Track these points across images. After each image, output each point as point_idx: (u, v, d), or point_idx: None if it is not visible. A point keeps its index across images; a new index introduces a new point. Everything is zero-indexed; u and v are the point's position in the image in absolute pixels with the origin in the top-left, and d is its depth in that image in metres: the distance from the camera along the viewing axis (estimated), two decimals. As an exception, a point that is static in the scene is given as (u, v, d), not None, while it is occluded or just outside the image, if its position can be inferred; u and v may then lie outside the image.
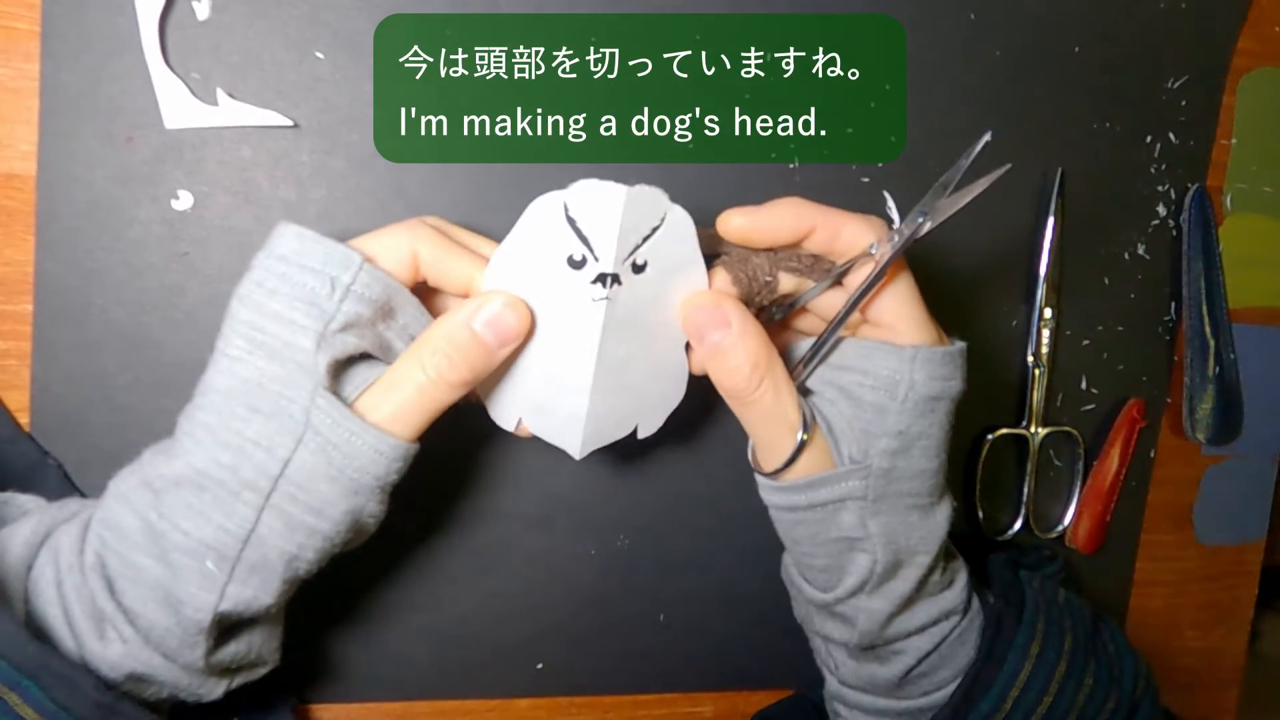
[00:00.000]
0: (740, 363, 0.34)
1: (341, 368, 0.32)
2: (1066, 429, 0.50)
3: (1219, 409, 0.52)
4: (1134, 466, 0.52)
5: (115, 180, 0.38)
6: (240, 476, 0.31)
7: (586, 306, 0.34)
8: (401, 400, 0.32)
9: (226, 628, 0.33)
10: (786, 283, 0.36)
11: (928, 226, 0.34)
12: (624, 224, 0.32)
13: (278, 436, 0.31)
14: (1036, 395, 0.49)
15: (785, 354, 0.38)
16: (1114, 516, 0.52)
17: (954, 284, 0.48)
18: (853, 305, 0.35)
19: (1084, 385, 0.51)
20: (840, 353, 0.37)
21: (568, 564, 0.45)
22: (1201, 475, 0.54)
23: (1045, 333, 0.49)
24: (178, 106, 0.38)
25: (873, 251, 0.34)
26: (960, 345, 0.36)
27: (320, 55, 0.40)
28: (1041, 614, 0.39)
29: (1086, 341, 0.51)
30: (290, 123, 0.39)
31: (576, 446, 0.37)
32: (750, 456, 0.38)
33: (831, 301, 0.37)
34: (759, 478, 0.37)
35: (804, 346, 0.39)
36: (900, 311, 0.35)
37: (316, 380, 0.31)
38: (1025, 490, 0.50)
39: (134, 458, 0.33)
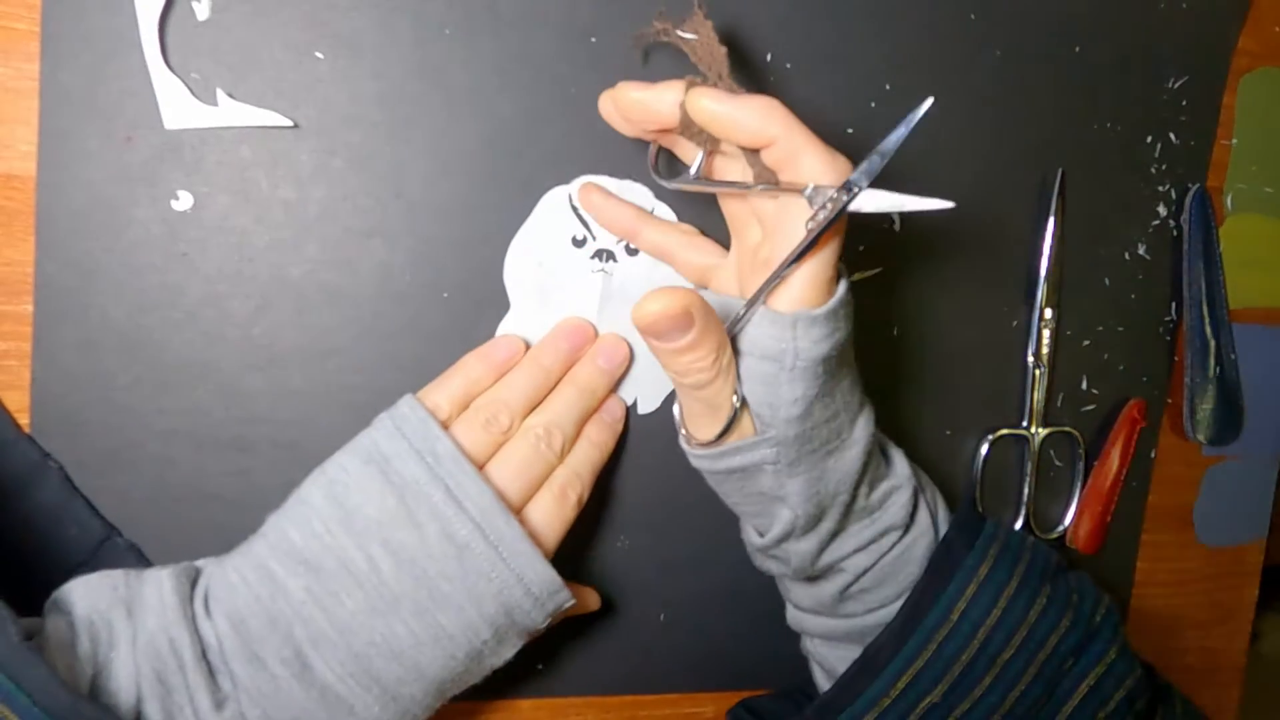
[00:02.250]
0: (703, 358, 0.34)
1: None
2: (1066, 429, 0.50)
3: (1219, 409, 0.52)
4: (1134, 466, 0.52)
5: (115, 180, 0.38)
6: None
7: (587, 278, 0.42)
8: None
9: None
10: (728, 151, 0.34)
11: (868, 204, 0.33)
12: None
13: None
14: (1036, 395, 0.49)
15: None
16: (1114, 516, 0.52)
17: (954, 284, 0.48)
18: (775, 277, 0.34)
19: (1084, 385, 0.51)
20: (745, 320, 0.36)
21: (567, 564, 0.45)
22: (1201, 475, 0.54)
23: (1045, 333, 0.49)
24: (177, 106, 0.38)
25: (810, 202, 0.33)
26: (841, 293, 0.34)
27: (320, 55, 0.40)
28: (996, 543, 0.39)
29: (1086, 341, 0.51)
30: (290, 123, 0.39)
31: None
32: (678, 424, 0.40)
33: (733, 170, 0.36)
34: (683, 444, 0.39)
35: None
36: (803, 281, 0.34)
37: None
38: (1025, 490, 0.50)
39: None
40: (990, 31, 0.47)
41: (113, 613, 0.32)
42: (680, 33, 0.34)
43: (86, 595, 0.33)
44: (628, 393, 0.44)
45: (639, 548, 0.46)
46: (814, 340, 0.34)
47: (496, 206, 0.42)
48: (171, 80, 0.38)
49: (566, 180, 0.42)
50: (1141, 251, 0.51)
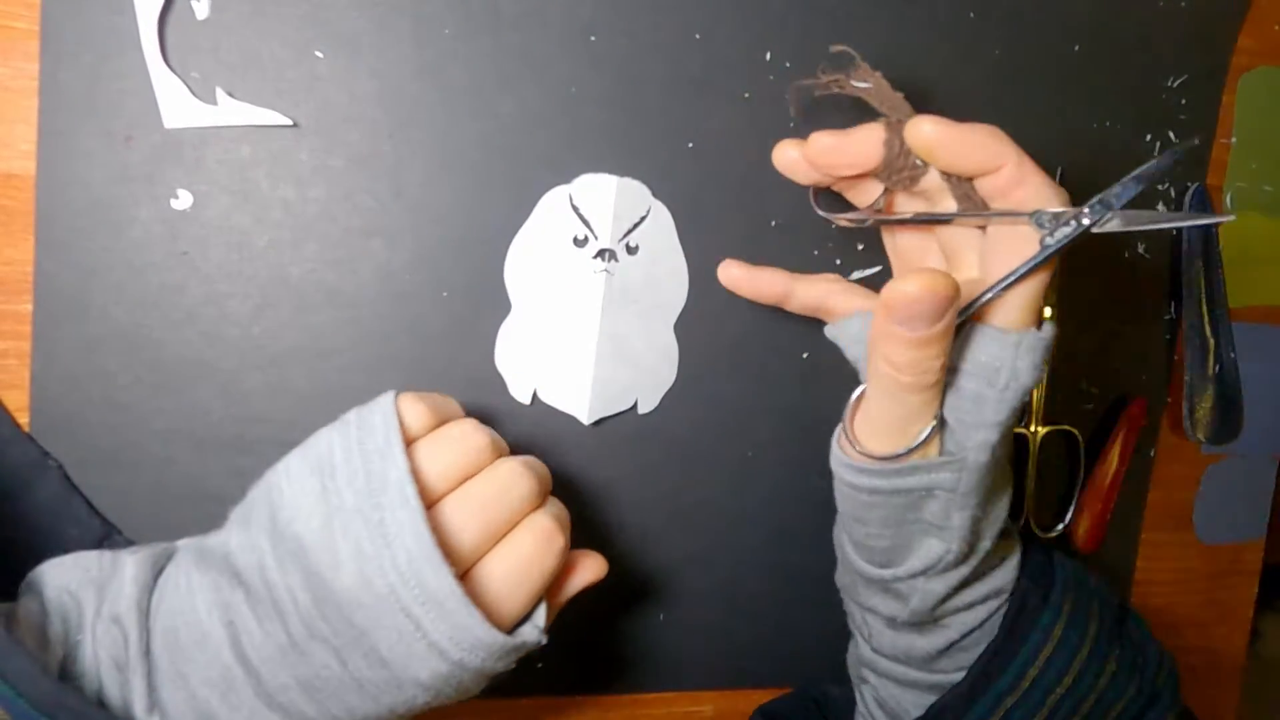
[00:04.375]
0: (940, 354, 0.31)
1: None
2: (1066, 429, 0.50)
3: (1219, 409, 0.52)
4: (1134, 466, 0.52)
5: (115, 180, 0.38)
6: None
7: (589, 279, 0.42)
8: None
9: None
10: (932, 180, 0.33)
11: (1113, 223, 0.32)
12: (617, 208, 0.42)
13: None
14: (1036, 395, 0.49)
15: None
16: (1114, 516, 0.52)
17: (954, 283, 0.48)
18: (998, 291, 0.32)
19: (1084, 385, 0.51)
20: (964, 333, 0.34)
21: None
22: (1201, 475, 0.54)
23: (1045, 332, 0.49)
24: (177, 106, 0.38)
25: (1038, 225, 0.32)
26: (1052, 328, 0.34)
27: (320, 55, 0.39)
28: (1069, 596, 0.38)
29: (1086, 341, 0.51)
30: (290, 122, 0.39)
31: (585, 412, 0.42)
32: (841, 435, 0.35)
33: (912, 207, 0.35)
34: (840, 456, 0.35)
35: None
36: (1024, 297, 0.33)
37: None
38: (1025, 490, 0.50)
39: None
40: (990, 31, 0.47)
41: (84, 594, 0.31)
42: (855, 83, 0.34)
43: (59, 576, 0.32)
44: (628, 395, 0.43)
45: (639, 548, 0.46)
46: (1031, 365, 0.32)
47: (496, 206, 0.42)
48: (171, 79, 0.38)
49: (567, 180, 0.42)
50: (1141, 251, 0.51)
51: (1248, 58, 0.52)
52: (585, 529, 0.45)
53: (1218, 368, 0.52)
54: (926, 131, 0.32)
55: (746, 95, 0.44)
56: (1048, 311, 0.36)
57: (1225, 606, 0.56)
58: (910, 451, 0.33)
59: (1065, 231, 0.32)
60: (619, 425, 0.44)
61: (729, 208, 0.44)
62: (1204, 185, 0.51)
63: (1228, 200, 0.52)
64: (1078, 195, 0.49)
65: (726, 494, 0.46)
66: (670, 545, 0.46)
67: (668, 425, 0.45)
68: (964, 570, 0.35)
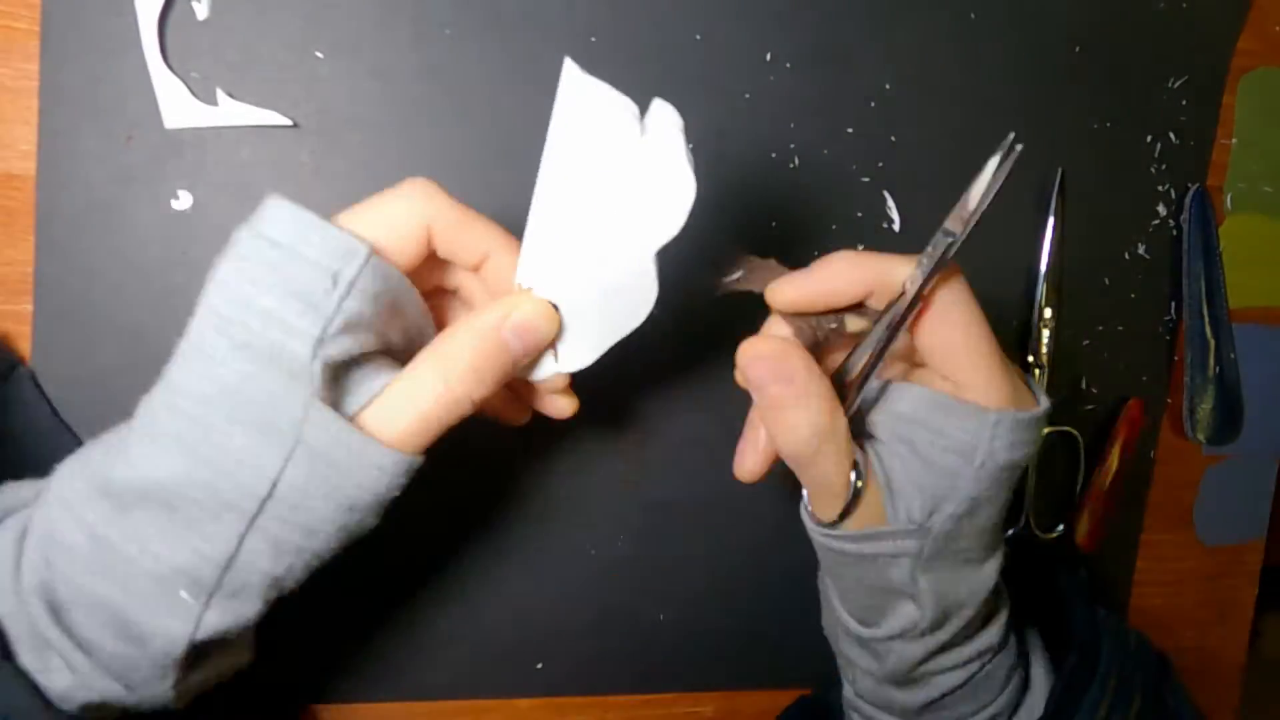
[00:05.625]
0: (800, 424, 0.31)
1: (337, 372, 0.29)
2: (1066, 429, 0.50)
3: (1219, 409, 0.52)
4: (1134, 466, 0.52)
5: (115, 180, 0.38)
6: (220, 497, 0.27)
7: None
8: (418, 415, 0.29)
9: (210, 651, 0.30)
10: (854, 323, 0.33)
11: (956, 245, 0.31)
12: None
13: (265, 452, 0.27)
14: (1036, 395, 0.49)
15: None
16: (1114, 516, 0.52)
17: (954, 284, 0.48)
18: (887, 341, 0.31)
19: (1084, 385, 0.51)
20: (914, 403, 0.33)
21: (568, 564, 0.45)
22: (1201, 475, 0.54)
23: (1045, 333, 0.49)
24: (177, 106, 0.38)
25: (906, 286, 0.31)
26: (1046, 405, 0.33)
27: (320, 55, 0.40)
28: (1114, 671, 0.37)
29: (1086, 341, 0.51)
30: (290, 123, 0.39)
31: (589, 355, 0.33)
32: (805, 499, 0.35)
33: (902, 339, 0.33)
34: (806, 519, 0.35)
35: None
36: (964, 361, 0.31)
37: (312, 390, 0.27)
38: (1025, 490, 0.50)
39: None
40: (990, 31, 0.47)
41: None
42: (725, 280, 0.34)
43: None
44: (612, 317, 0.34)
45: (639, 548, 0.46)
46: (1010, 444, 0.31)
47: (496, 206, 0.42)
48: (171, 80, 0.38)
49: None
50: (1141, 251, 0.51)
51: (1248, 58, 0.52)
52: (585, 528, 0.45)
53: (1218, 368, 0.52)
54: (787, 296, 0.32)
55: (747, 95, 0.44)
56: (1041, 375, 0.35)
57: (1225, 606, 0.56)
58: (843, 519, 0.32)
59: (917, 274, 0.31)
60: (620, 424, 0.44)
61: (729, 208, 0.44)
62: (1204, 187, 0.51)
63: (1228, 201, 0.52)
64: (1078, 195, 0.49)
65: (726, 494, 0.46)
66: (670, 545, 0.46)
67: (669, 425, 0.45)
68: (941, 636, 0.34)
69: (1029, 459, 0.32)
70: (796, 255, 0.45)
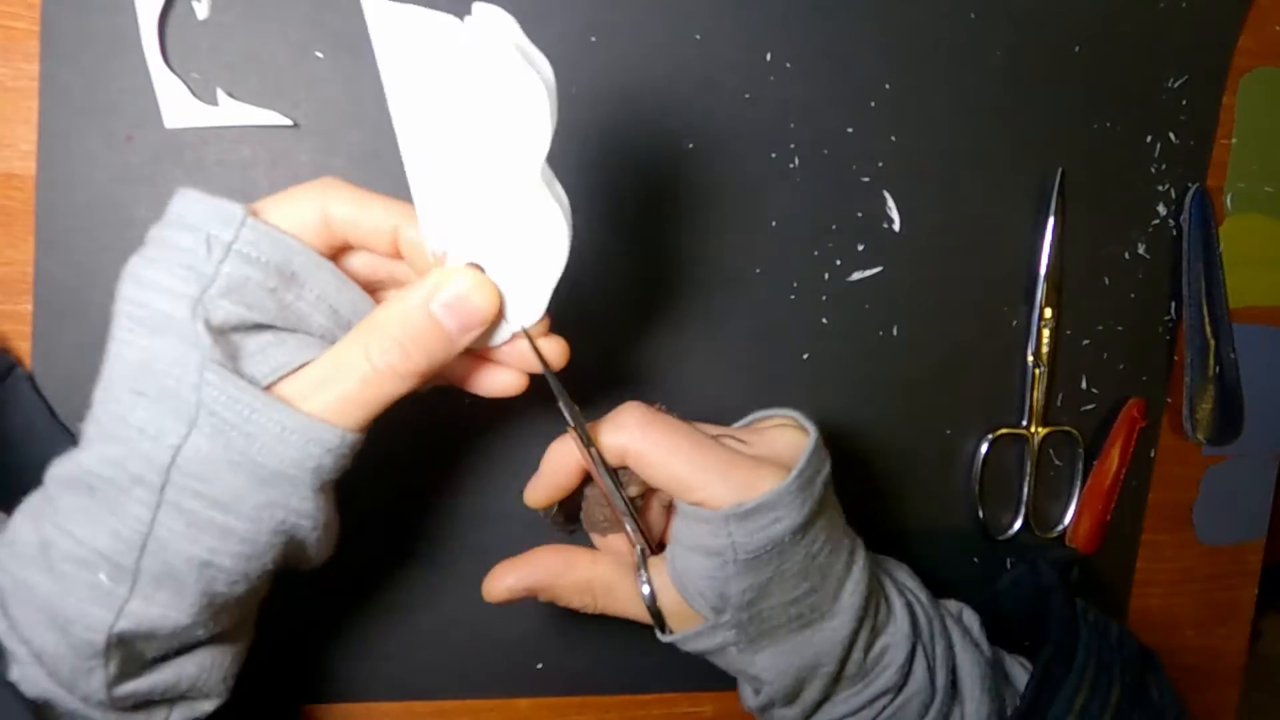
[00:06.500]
0: (572, 600, 0.36)
1: (254, 345, 0.29)
2: (1066, 429, 0.50)
3: (1219, 409, 0.52)
4: (1134, 466, 0.52)
5: (115, 180, 0.38)
6: (129, 471, 0.27)
7: None
8: (341, 392, 0.28)
9: (149, 657, 0.29)
10: (634, 485, 0.34)
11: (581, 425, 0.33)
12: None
13: (166, 420, 0.27)
14: (1036, 395, 0.49)
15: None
16: (1114, 516, 0.52)
17: (954, 284, 0.48)
18: (617, 489, 0.34)
19: (1084, 385, 0.51)
20: (680, 513, 0.34)
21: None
22: (1201, 475, 0.54)
23: (1045, 333, 0.49)
24: (178, 106, 0.38)
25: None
26: (779, 486, 0.31)
27: (320, 55, 0.39)
28: (1092, 662, 0.38)
29: (1086, 341, 0.51)
30: (290, 123, 0.39)
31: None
32: None
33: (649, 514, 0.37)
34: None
35: None
36: (681, 483, 0.32)
37: (203, 352, 0.27)
38: (1025, 490, 0.50)
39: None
40: (990, 31, 0.47)
41: None
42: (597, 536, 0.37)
43: None
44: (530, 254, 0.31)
45: (639, 547, 0.46)
46: (751, 532, 0.31)
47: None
48: (171, 80, 0.38)
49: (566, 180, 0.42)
50: (1141, 251, 0.51)
51: (1248, 58, 0.52)
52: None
53: (1218, 368, 0.52)
54: (532, 497, 0.36)
55: (747, 95, 0.44)
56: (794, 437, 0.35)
57: (1225, 606, 0.56)
58: (662, 626, 0.35)
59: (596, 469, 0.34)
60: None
61: (729, 208, 0.44)
62: (1204, 186, 0.51)
63: (1228, 201, 0.52)
64: (1078, 195, 0.49)
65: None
66: (670, 545, 0.46)
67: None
68: (809, 696, 0.35)
69: (791, 528, 0.32)
70: (796, 255, 0.45)
